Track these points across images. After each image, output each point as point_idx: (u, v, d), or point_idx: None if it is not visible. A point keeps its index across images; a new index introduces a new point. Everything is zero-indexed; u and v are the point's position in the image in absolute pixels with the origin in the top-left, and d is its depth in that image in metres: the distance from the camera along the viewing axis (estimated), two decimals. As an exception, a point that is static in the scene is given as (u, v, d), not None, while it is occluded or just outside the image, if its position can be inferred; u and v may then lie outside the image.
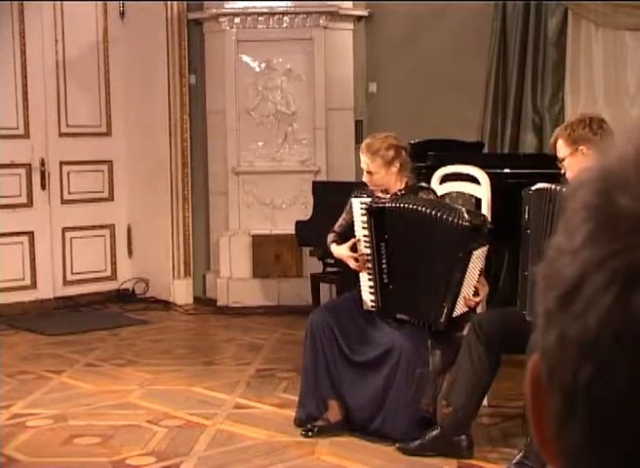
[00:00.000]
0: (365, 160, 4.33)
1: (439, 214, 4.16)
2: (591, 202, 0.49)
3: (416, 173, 4.80)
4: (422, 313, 4.22)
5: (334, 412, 4.30)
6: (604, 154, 0.51)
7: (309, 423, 4.31)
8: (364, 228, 4.30)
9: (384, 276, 4.28)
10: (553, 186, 3.89)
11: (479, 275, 4.20)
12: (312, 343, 4.31)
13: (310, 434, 4.27)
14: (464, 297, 4.18)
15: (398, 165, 4.31)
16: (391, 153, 4.29)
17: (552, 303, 0.50)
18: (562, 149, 3.85)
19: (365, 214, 4.27)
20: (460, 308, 4.20)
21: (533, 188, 4.00)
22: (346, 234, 4.46)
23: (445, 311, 4.17)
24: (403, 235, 4.23)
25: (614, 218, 0.47)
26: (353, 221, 4.36)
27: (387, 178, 4.33)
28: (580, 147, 3.79)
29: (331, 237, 4.51)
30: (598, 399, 0.47)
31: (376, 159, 4.29)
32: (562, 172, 3.90)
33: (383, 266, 4.28)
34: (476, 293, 4.22)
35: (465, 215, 4.14)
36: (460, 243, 4.11)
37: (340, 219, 4.54)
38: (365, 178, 4.37)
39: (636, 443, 0.46)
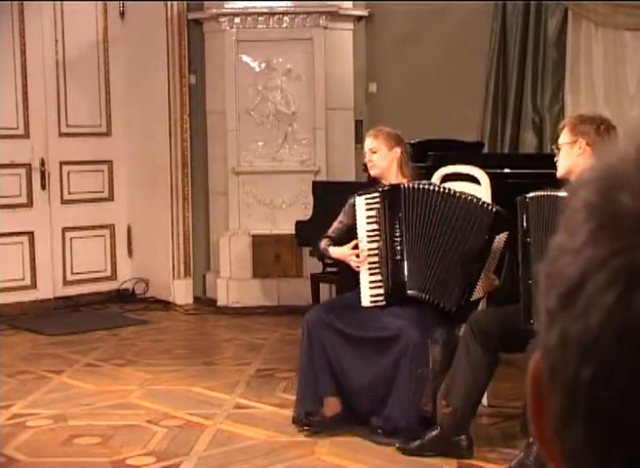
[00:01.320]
0: (369, 140, 4.49)
1: (462, 196, 4.27)
2: (592, 201, 0.49)
3: (417, 174, 4.81)
4: (439, 293, 4.24)
5: (330, 408, 4.31)
6: (605, 154, 0.51)
7: (306, 419, 4.32)
8: (370, 223, 4.33)
9: (397, 253, 4.29)
10: (551, 193, 3.87)
11: (498, 262, 4.25)
12: (308, 341, 4.32)
13: (307, 429, 4.28)
14: (482, 281, 4.21)
15: (399, 152, 4.43)
16: (394, 138, 4.46)
17: (554, 302, 0.50)
18: (564, 136, 3.88)
19: (374, 205, 4.30)
20: (477, 292, 4.23)
21: (529, 196, 3.97)
22: (341, 239, 4.47)
23: (465, 293, 4.20)
24: (419, 214, 4.28)
25: (615, 217, 0.47)
26: (353, 223, 4.37)
27: (388, 163, 4.42)
28: (580, 140, 3.81)
29: (324, 242, 4.51)
30: (600, 398, 0.47)
31: (378, 136, 4.47)
32: (555, 159, 3.91)
33: (396, 245, 4.29)
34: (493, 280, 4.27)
35: (488, 200, 4.29)
36: (487, 226, 4.19)
37: (336, 223, 4.54)
38: (366, 159, 4.49)
39: (638, 442, 0.46)
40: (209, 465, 3.97)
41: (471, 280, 4.21)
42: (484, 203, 4.27)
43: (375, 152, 4.43)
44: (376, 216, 4.31)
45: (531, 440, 3.72)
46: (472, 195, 4.34)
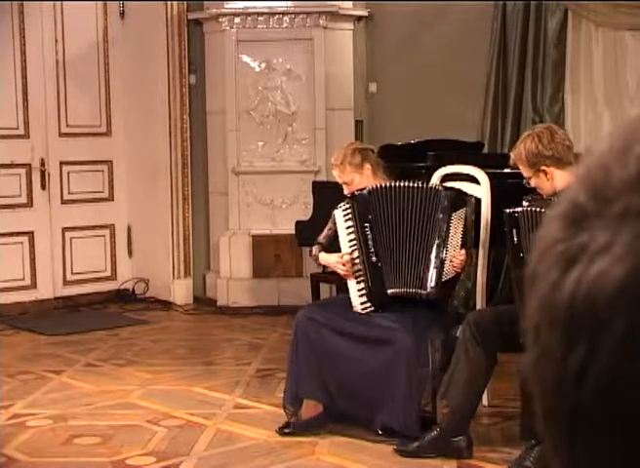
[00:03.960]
0: (336, 173, 4.46)
1: (415, 185, 4.32)
2: (568, 197, 0.51)
3: (415, 173, 4.83)
4: (412, 282, 4.29)
5: (307, 410, 4.31)
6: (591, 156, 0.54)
7: (287, 418, 4.36)
8: (350, 233, 4.35)
9: (372, 255, 4.33)
10: (538, 209, 3.83)
11: (462, 239, 4.26)
12: (294, 340, 4.37)
13: (285, 431, 4.31)
14: (450, 260, 4.24)
15: (369, 165, 4.43)
16: (358, 158, 4.42)
17: (526, 290, 0.52)
18: (524, 172, 3.90)
19: (348, 212, 4.33)
20: (447, 272, 4.25)
21: (517, 210, 3.92)
22: (332, 245, 4.50)
23: (433, 275, 4.24)
24: (385, 213, 4.34)
25: (572, 210, 0.50)
26: (337, 233, 4.42)
27: (364, 182, 4.41)
28: (541, 167, 3.81)
29: (316, 248, 4.55)
30: (544, 378, 0.49)
31: (345, 168, 4.41)
32: (532, 186, 3.92)
33: (370, 248, 4.34)
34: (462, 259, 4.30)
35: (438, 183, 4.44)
36: (437, 205, 4.26)
37: (326, 230, 4.58)
38: (345, 191, 4.45)
39: (578, 418, 0.48)
40: (209, 465, 3.98)
41: (435, 261, 4.26)
42: (431, 185, 4.37)
43: (349, 184, 4.41)
44: (352, 226, 4.35)
45: (532, 441, 3.72)
46: (422, 181, 4.41)
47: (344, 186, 4.44)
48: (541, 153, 3.80)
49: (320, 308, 4.47)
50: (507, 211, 3.95)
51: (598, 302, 0.46)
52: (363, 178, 4.40)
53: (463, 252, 4.27)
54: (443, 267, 4.25)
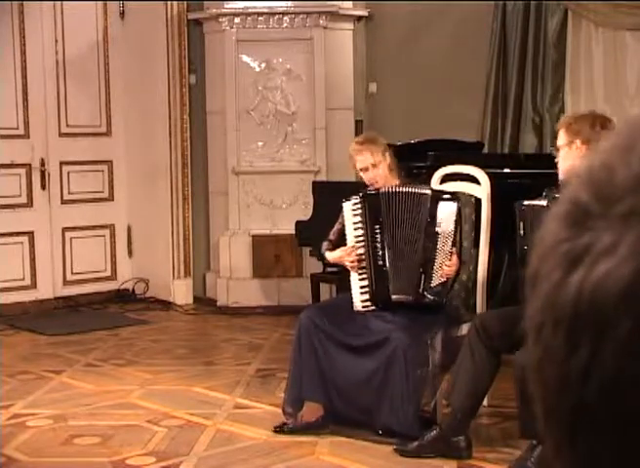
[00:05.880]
0: (363, 157, 4.38)
1: (415, 190, 4.34)
2: (569, 196, 0.51)
3: (415, 173, 4.84)
4: (408, 288, 4.30)
5: (310, 412, 4.31)
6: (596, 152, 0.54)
7: (285, 419, 4.37)
8: (357, 229, 4.36)
9: (379, 258, 4.34)
10: (546, 203, 3.86)
11: (452, 246, 4.26)
12: (298, 342, 4.36)
13: (281, 430, 4.32)
14: (440, 266, 4.26)
15: (388, 156, 4.42)
16: (383, 144, 4.44)
17: (527, 289, 0.52)
18: (561, 137, 3.90)
19: (358, 209, 4.33)
20: (437, 277, 4.26)
21: (525, 204, 3.97)
22: (341, 242, 4.50)
23: (422, 280, 4.26)
24: (395, 217, 4.34)
25: (575, 210, 0.49)
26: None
27: (385, 171, 4.40)
28: (576, 140, 3.81)
29: (325, 245, 4.56)
30: (547, 379, 0.49)
31: (371, 148, 4.37)
32: (556, 160, 3.91)
33: (378, 251, 4.35)
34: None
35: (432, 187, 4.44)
36: (426, 211, 4.26)
37: (335, 226, 4.58)
38: (366, 178, 4.41)
39: (577, 418, 0.48)
40: (209, 465, 3.98)
41: (424, 266, 4.28)
42: (420, 190, 4.34)
43: (375, 166, 4.37)
44: (360, 222, 4.36)
45: (534, 441, 3.72)
46: (415, 186, 4.40)
47: (370, 169, 4.35)
48: (585, 131, 3.80)
49: (321, 312, 4.44)
50: (517, 202, 4.01)
51: (603, 303, 0.46)
52: (385, 165, 4.38)
53: (455, 259, 4.27)
54: (433, 272, 4.27)
